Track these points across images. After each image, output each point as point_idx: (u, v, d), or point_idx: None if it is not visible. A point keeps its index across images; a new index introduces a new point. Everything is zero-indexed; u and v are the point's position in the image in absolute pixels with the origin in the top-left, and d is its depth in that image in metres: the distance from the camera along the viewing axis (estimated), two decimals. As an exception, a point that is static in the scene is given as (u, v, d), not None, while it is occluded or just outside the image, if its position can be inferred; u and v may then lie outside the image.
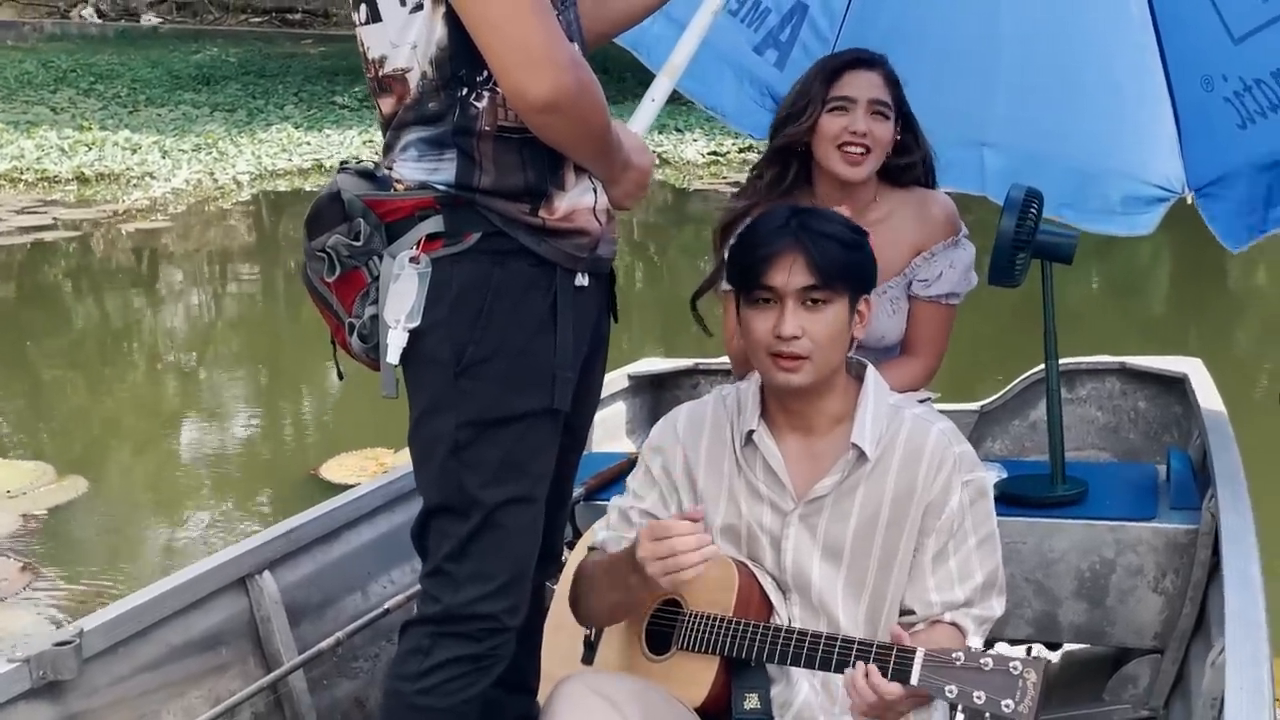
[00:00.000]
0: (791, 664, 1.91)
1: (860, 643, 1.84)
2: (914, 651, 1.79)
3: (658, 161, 12.17)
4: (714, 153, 12.42)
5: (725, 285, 2.72)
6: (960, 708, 1.75)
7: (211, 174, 11.73)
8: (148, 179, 11.48)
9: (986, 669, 1.71)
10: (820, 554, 1.98)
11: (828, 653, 1.85)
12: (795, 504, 1.99)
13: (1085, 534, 2.55)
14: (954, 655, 1.75)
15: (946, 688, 1.73)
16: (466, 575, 1.77)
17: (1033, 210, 2.64)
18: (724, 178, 11.63)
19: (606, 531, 2.12)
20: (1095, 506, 2.62)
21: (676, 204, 11.17)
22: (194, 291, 8.90)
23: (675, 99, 2.13)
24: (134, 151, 12.44)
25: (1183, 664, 2.51)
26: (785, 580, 2.00)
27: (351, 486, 2.89)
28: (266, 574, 2.38)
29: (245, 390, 6.69)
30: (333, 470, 5.03)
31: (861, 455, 1.96)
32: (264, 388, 6.72)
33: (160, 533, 4.86)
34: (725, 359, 3.18)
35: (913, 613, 1.99)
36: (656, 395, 3.52)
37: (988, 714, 1.71)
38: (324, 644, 2.42)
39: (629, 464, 2.68)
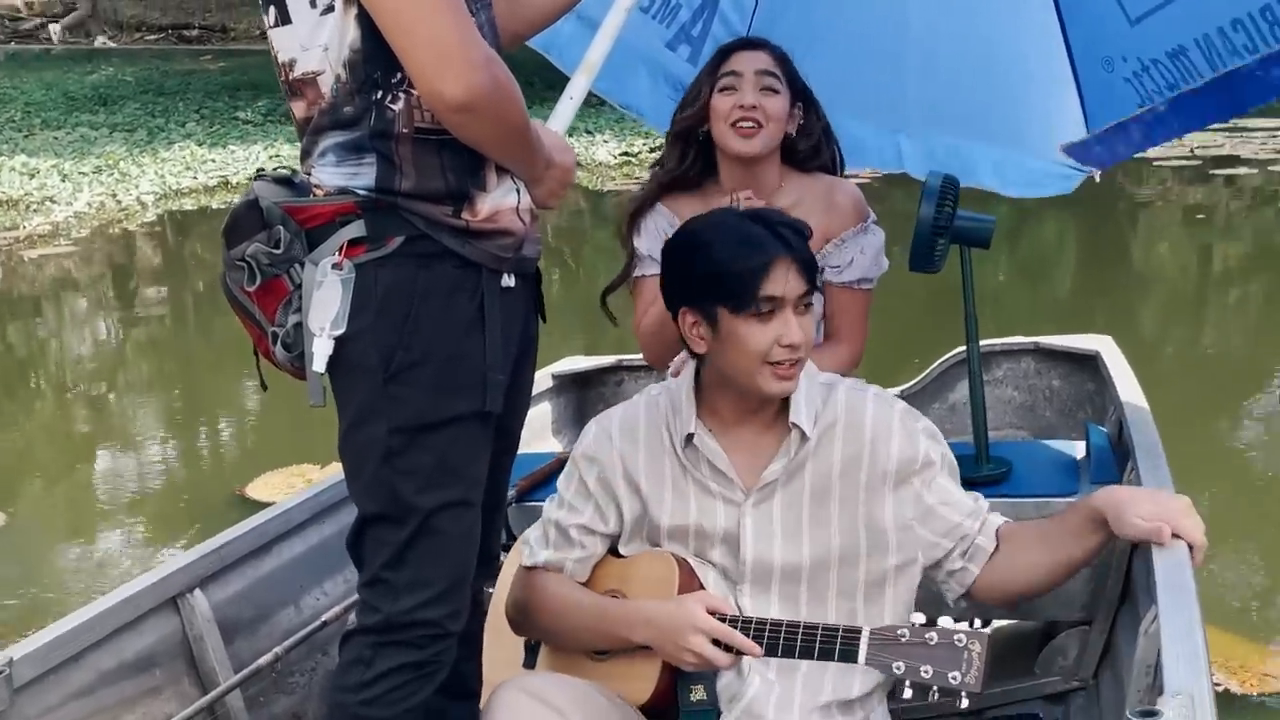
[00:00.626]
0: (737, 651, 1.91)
1: (806, 626, 1.86)
2: (859, 631, 1.80)
3: (570, 164, 12.18)
4: (625, 153, 12.44)
5: (640, 271, 2.72)
6: (908, 683, 1.76)
7: (114, 195, 11.45)
8: (48, 204, 11.18)
9: (932, 644, 1.74)
10: (780, 538, 1.99)
11: (774, 638, 1.87)
12: (746, 495, 2.00)
13: (1011, 511, 2.57)
14: (899, 632, 1.77)
15: (894, 664, 1.76)
16: (406, 583, 1.76)
17: (950, 197, 2.68)
18: (636, 178, 11.64)
19: (549, 551, 2.10)
20: (1020, 484, 2.66)
21: (591, 206, 11.17)
22: (102, 316, 8.70)
23: (585, 101, 2.12)
24: (32, 176, 12.11)
25: (1110, 634, 2.55)
26: (742, 571, 2.00)
27: (279, 504, 2.85)
28: (198, 592, 2.34)
29: (162, 414, 6.56)
30: (259, 489, 4.95)
31: (803, 435, 1.98)
32: (182, 410, 6.59)
33: (84, 562, 4.74)
34: (639, 358, 3.21)
35: (953, 548, 2.00)
36: (581, 394, 3.53)
37: (935, 687, 1.73)
38: (260, 661, 2.38)
39: (559, 464, 2.68)
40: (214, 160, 12.73)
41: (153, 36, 24.61)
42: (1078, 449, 2.84)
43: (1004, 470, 2.70)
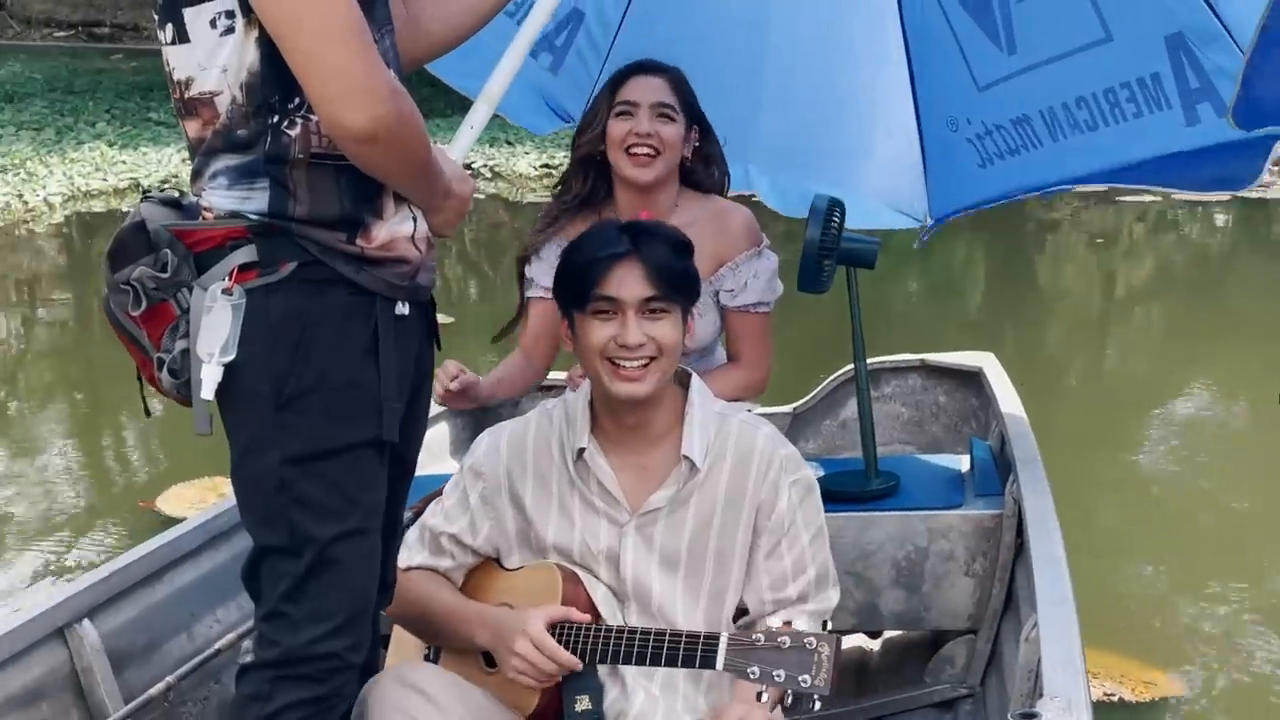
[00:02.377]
0: (610, 661, 1.95)
1: (671, 634, 1.90)
2: (718, 637, 1.85)
3: (490, 175, 12.14)
4: (545, 165, 12.40)
5: (529, 292, 2.79)
6: (765, 687, 1.81)
7: (20, 196, 11.16)
8: (-50, 204, 10.89)
9: (785, 648, 1.81)
10: (658, 563, 2.02)
11: (643, 646, 1.91)
12: (630, 516, 2.02)
13: (900, 524, 2.67)
14: (755, 637, 1.83)
15: (749, 669, 1.82)
16: (305, 615, 1.73)
17: (835, 219, 2.74)
18: (556, 190, 11.62)
19: (424, 554, 2.13)
20: (907, 498, 2.75)
21: (510, 217, 11.13)
22: (2, 321, 8.48)
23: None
24: (-67, 175, 11.80)
25: (995, 642, 2.64)
26: (625, 591, 2.03)
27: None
28: (86, 622, 2.28)
29: (65, 424, 6.38)
30: (170, 503, 4.81)
31: (693, 466, 2.00)
32: (85, 420, 6.42)
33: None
34: (551, 376, 3.21)
35: (746, 612, 2.04)
36: (479, 414, 3.50)
37: (789, 691, 1.78)
38: (153, 691, 2.33)
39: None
40: (125, 162, 12.48)
41: (61, 34, 24.06)
42: (962, 463, 2.93)
43: (892, 484, 2.77)
